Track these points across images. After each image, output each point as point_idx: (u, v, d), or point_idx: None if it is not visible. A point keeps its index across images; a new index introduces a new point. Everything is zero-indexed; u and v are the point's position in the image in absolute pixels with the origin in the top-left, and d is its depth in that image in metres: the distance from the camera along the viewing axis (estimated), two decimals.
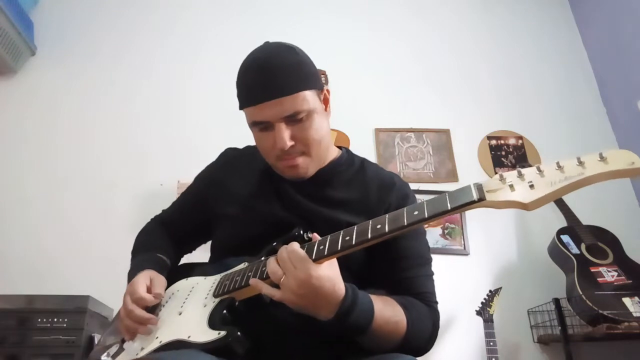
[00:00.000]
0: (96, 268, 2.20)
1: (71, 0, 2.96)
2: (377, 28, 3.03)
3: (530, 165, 0.66)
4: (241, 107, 0.97)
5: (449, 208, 0.68)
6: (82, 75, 2.76)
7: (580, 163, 0.62)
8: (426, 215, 0.70)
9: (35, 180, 2.46)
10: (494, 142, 2.76)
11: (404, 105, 2.82)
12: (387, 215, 0.75)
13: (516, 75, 2.94)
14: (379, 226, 0.74)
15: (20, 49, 2.63)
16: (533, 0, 3.23)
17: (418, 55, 2.97)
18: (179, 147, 2.57)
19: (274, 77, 0.89)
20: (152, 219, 1.24)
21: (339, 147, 1.11)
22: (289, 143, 0.91)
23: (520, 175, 0.66)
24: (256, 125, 0.94)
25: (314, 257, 0.76)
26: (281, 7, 3.04)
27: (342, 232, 0.77)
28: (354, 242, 0.74)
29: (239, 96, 0.96)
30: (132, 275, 1.00)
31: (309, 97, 0.92)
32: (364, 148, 2.65)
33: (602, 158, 0.61)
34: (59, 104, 2.67)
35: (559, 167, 0.63)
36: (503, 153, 2.72)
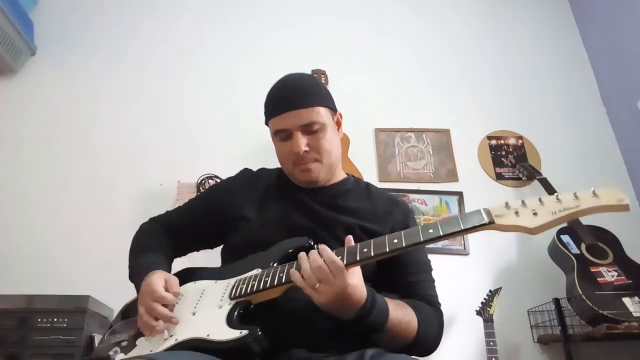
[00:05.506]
0: (96, 268, 2.20)
1: (71, 0, 2.96)
2: (377, 28, 3.03)
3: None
4: (267, 121, 1.13)
5: (462, 228, 0.78)
6: (82, 75, 2.76)
7: (576, 197, 0.72)
8: (441, 234, 0.79)
9: (36, 180, 2.46)
10: (494, 142, 2.76)
11: (404, 105, 2.82)
12: (402, 232, 0.83)
13: (516, 75, 2.94)
14: (395, 240, 0.82)
15: (20, 49, 2.63)
16: (533, 1, 3.23)
17: (418, 55, 2.96)
18: (179, 147, 2.56)
19: (294, 92, 1.09)
20: (151, 220, 1.24)
21: (346, 174, 1.25)
22: (304, 148, 1.06)
23: (523, 204, 0.75)
24: (278, 134, 1.10)
25: (345, 262, 0.83)
26: (281, 6, 3.04)
27: (371, 242, 0.84)
28: (373, 254, 0.82)
29: (266, 112, 1.13)
30: (140, 275, 1.00)
31: (323, 113, 1.09)
32: (364, 148, 2.65)
33: (595, 194, 0.71)
34: (59, 104, 2.67)
35: (558, 199, 0.73)
36: (503, 153, 2.72)
